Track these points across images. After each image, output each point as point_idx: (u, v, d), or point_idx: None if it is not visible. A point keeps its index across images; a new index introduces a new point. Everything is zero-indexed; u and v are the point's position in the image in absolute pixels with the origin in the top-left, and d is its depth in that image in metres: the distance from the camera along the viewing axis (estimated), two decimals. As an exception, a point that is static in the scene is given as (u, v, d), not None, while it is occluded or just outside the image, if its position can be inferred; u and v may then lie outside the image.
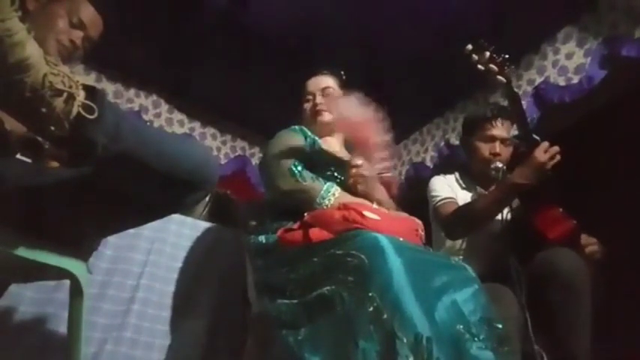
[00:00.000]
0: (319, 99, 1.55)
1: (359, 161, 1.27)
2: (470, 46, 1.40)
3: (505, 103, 2.33)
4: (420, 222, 1.27)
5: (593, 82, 2.14)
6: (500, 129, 1.61)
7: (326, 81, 1.59)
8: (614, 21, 2.10)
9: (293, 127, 1.50)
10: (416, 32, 2.43)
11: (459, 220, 1.49)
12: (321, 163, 1.39)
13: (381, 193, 1.34)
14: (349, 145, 1.47)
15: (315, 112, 1.53)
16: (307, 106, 1.56)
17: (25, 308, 1.34)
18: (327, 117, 1.52)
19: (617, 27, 2.08)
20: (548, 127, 2.26)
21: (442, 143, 2.96)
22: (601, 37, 2.14)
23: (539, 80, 2.37)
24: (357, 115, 1.28)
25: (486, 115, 1.63)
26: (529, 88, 2.41)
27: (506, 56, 1.41)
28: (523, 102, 2.37)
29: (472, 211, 1.46)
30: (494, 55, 1.39)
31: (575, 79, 2.21)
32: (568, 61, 2.27)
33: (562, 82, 2.27)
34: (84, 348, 0.97)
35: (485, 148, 1.61)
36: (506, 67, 1.40)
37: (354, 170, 1.28)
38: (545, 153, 1.31)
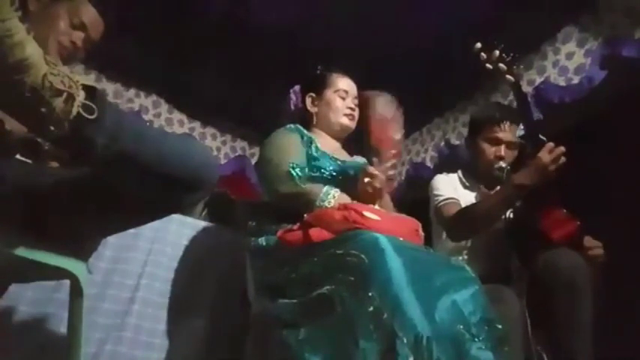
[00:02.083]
0: (353, 104, 1.55)
1: (375, 171, 1.27)
2: (479, 45, 1.38)
3: (507, 102, 2.34)
4: (419, 222, 1.27)
5: (594, 83, 2.14)
6: (507, 132, 1.58)
7: (356, 90, 1.59)
8: (614, 21, 2.09)
9: (289, 126, 1.49)
10: (416, 32, 2.43)
11: (463, 222, 1.47)
12: (318, 163, 1.39)
13: (385, 198, 1.34)
14: (367, 144, 1.48)
15: (348, 115, 1.53)
16: (341, 102, 1.53)
17: (25, 308, 1.34)
18: (353, 125, 1.55)
19: (617, 27, 2.07)
20: (548, 128, 2.25)
21: (442, 143, 2.96)
22: (601, 37, 2.13)
23: (539, 80, 2.37)
24: (388, 113, 1.34)
25: (494, 117, 1.60)
26: (529, 89, 2.40)
27: (516, 55, 1.40)
28: (523, 102, 2.38)
29: (476, 213, 1.44)
30: (504, 54, 1.38)
31: (576, 80, 2.21)
32: (568, 62, 2.26)
33: (562, 83, 2.26)
34: (84, 348, 0.97)
35: (490, 151, 1.59)
36: (515, 67, 1.39)
37: (367, 179, 1.27)
38: (550, 154, 1.30)
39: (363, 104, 1.45)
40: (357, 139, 1.64)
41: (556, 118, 2.32)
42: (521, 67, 1.41)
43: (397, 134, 1.32)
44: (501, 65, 1.37)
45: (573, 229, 1.34)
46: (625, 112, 2.13)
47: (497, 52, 1.37)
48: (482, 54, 1.38)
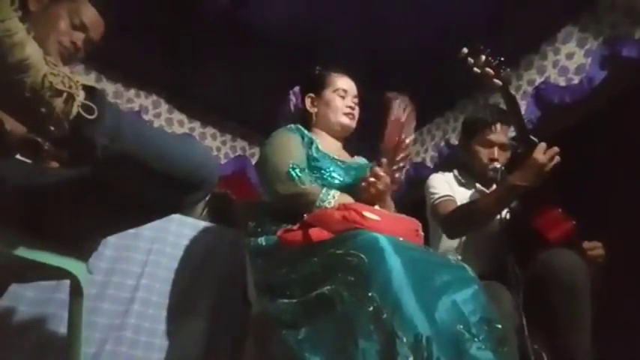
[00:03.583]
0: (353, 103, 1.55)
1: (382, 173, 1.27)
2: (465, 50, 1.39)
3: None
4: (419, 223, 1.27)
5: (594, 83, 2.14)
6: (499, 134, 1.60)
7: (355, 89, 1.59)
8: (614, 21, 2.10)
9: (289, 126, 1.49)
10: (416, 32, 2.43)
11: (459, 219, 1.49)
12: (319, 163, 1.39)
13: (386, 200, 1.34)
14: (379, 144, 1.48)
15: (348, 114, 1.53)
16: (340, 102, 1.53)
17: (25, 308, 1.34)
18: (353, 125, 1.55)
19: (618, 27, 2.07)
20: (548, 128, 2.25)
21: (442, 143, 2.96)
22: (601, 37, 2.14)
23: (539, 80, 2.37)
24: (402, 116, 1.34)
25: (486, 119, 1.63)
26: (529, 89, 2.41)
27: (502, 59, 1.40)
28: (524, 102, 2.38)
29: (472, 211, 1.45)
30: (490, 59, 1.38)
31: (576, 80, 2.21)
32: (568, 62, 2.27)
33: (562, 83, 2.27)
34: (84, 348, 0.97)
35: (483, 153, 1.61)
36: (502, 70, 1.39)
37: (372, 179, 1.27)
38: (544, 154, 1.31)
39: (384, 104, 1.45)
40: (360, 139, 1.64)
41: (556, 118, 2.32)
42: (508, 70, 1.40)
43: (408, 137, 1.32)
44: (488, 70, 1.37)
45: (569, 229, 1.34)
46: (625, 113, 2.13)
47: (483, 57, 1.37)
48: (469, 59, 1.39)
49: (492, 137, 1.60)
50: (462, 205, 1.52)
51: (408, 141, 1.32)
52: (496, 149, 1.59)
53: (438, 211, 1.58)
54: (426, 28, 2.41)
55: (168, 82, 3.05)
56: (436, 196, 1.62)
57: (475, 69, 1.38)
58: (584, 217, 1.36)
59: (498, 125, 1.61)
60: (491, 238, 1.49)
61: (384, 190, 1.30)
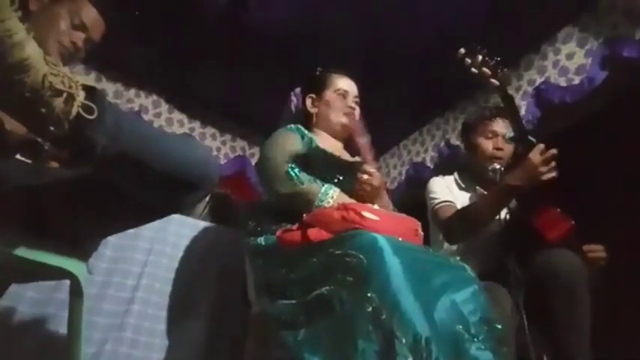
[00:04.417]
0: (354, 103, 1.56)
1: (372, 169, 1.28)
2: (462, 50, 1.40)
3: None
4: (419, 222, 1.27)
5: (595, 83, 2.14)
6: (502, 125, 1.62)
7: (356, 89, 1.60)
8: (614, 21, 2.09)
9: (289, 126, 1.49)
10: (416, 32, 2.43)
11: (458, 225, 1.49)
12: (319, 163, 1.39)
13: (384, 198, 1.35)
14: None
15: (349, 115, 1.53)
16: (341, 102, 1.54)
17: (25, 308, 1.34)
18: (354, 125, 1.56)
19: (618, 28, 2.07)
20: (548, 128, 2.25)
21: (442, 143, 2.96)
22: (602, 37, 2.14)
23: (539, 80, 2.37)
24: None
25: (486, 113, 1.66)
26: (530, 89, 2.41)
27: (499, 59, 1.41)
28: (524, 102, 2.38)
29: (470, 215, 1.45)
30: (487, 59, 1.39)
31: (576, 80, 2.21)
32: (569, 62, 2.27)
33: (563, 83, 2.26)
34: (84, 348, 0.97)
35: (487, 144, 1.61)
36: (499, 70, 1.40)
37: (365, 177, 1.28)
38: (540, 155, 1.30)
39: None
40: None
41: (556, 118, 2.32)
42: (505, 70, 1.41)
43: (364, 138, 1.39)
44: (485, 70, 1.38)
45: (568, 229, 1.34)
46: (626, 113, 2.13)
47: (480, 57, 1.38)
48: (467, 59, 1.39)
49: (495, 127, 1.62)
50: (460, 210, 1.51)
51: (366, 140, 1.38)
52: (500, 139, 1.60)
53: (438, 216, 1.58)
54: (426, 28, 2.40)
55: (168, 82, 3.05)
56: (436, 201, 1.62)
57: (472, 69, 1.39)
58: (584, 217, 1.36)
59: (499, 118, 1.62)
60: (491, 239, 1.49)
61: (379, 185, 1.31)
